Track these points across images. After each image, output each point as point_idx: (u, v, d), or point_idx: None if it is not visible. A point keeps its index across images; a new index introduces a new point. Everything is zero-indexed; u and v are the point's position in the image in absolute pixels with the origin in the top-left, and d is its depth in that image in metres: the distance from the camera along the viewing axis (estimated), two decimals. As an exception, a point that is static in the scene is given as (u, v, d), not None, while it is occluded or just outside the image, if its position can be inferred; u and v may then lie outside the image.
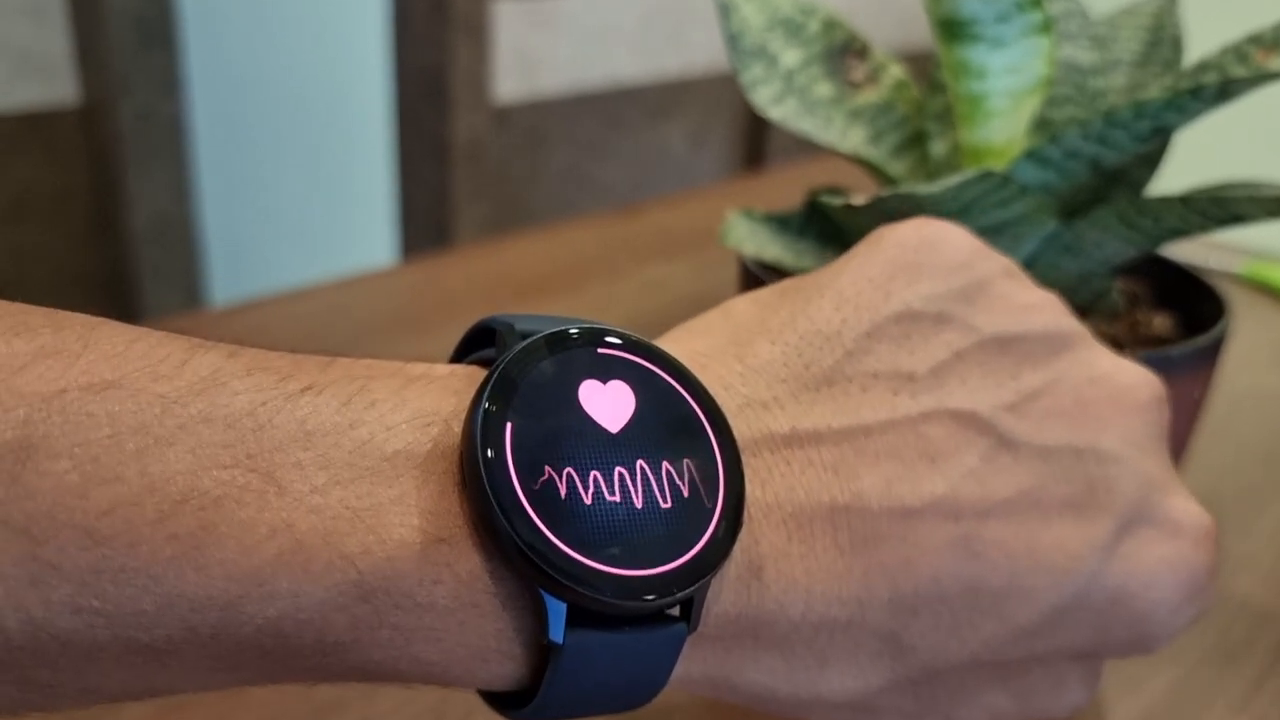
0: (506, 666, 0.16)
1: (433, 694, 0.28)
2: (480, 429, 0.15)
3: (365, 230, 1.72)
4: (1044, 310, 0.20)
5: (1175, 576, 0.20)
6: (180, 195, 1.26)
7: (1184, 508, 0.20)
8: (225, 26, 1.59)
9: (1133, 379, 0.20)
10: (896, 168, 0.30)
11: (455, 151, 1.47)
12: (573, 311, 0.53)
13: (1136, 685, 0.29)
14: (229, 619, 0.14)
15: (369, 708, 0.27)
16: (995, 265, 0.20)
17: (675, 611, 0.16)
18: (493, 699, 0.17)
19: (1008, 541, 0.18)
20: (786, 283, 0.21)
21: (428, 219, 1.54)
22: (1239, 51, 0.26)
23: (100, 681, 0.14)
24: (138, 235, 1.23)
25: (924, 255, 0.20)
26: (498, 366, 0.16)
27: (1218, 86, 0.24)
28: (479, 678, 0.16)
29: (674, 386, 0.17)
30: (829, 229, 0.31)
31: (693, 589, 0.16)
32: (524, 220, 1.60)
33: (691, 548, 0.16)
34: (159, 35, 1.19)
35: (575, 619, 0.15)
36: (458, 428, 0.16)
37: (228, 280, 1.50)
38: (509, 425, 0.15)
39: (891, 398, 0.18)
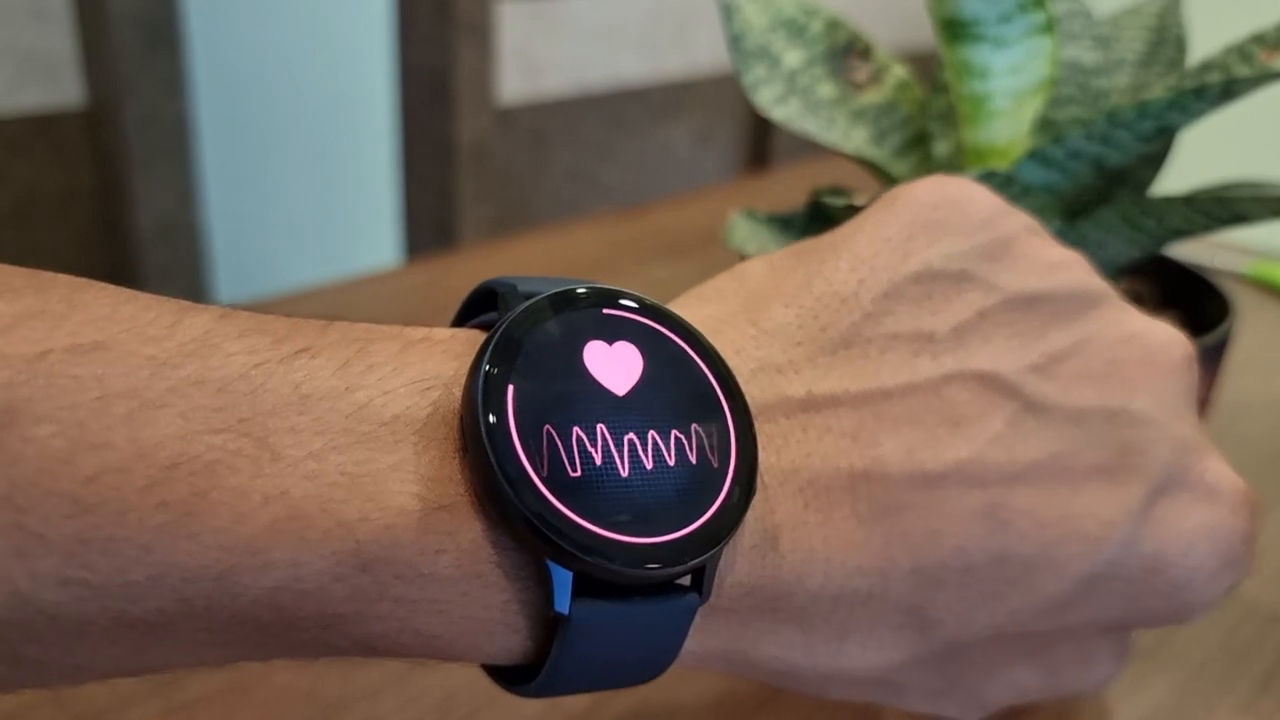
0: (512, 639, 0.15)
1: (436, 693, 0.28)
2: (482, 392, 0.14)
3: (369, 231, 1.72)
4: (1070, 268, 0.19)
5: (1212, 543, 0.19)
6: (185, 197, 1.26)
7: (1219, 471, 0.19)
8: (230, 28, 1.59)
9: (1164, 338, 0.20)
10: (900, 168, 0.30)
11: (459, 152, 1.47)
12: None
13: (1142, 686, 0.29)
14: (223, 590, 0.13)
15: (372, 708, 0.27)
16: (1018, 222, 0.19)
17: (687, 581, 0.15)
18: (498, 673, 0.17)
19: (1036, 509, 0.17)
20: (801, 244, 0.20)
21: (432, 220, 1.54)
22: (1243, 51, 0.26)
23: (92, 657, 0.14)
24: (143, 236, 1.23)
25: (944, 213, 0.19)
26: (499, 327, 0.15)
27: (1221, 86, 0.24)
28: (483, 651, 0.15)
29: (684, 349, 0.16)
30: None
31: (704, 557, 0.15)
32: (528, 221, 1.60)
33: (703, 515, 0.15)
34: (164, 37, 1.19)
35: (582, 589, 0.15)
36: (458, 392, 0.15)
37: (233, 281, 1.51)
38: (511, 388, 0.15)
39: (912, 360, 0.18)
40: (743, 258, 0.30)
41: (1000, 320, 0.18)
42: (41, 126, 1.17)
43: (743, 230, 0.30)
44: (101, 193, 1.23)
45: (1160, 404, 0.19)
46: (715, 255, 0.57)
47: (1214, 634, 0.32)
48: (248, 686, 0.27)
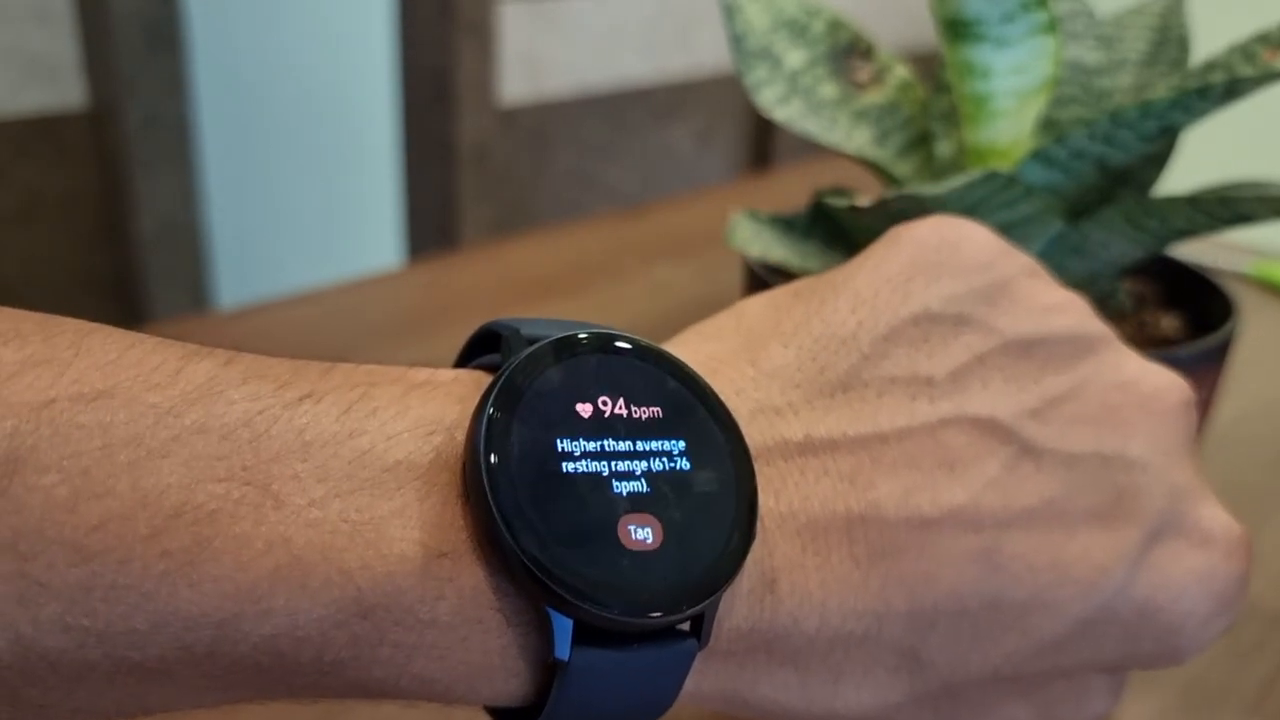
0: (511, 684, 0.15)
1: (439, 696, 0.28)
2: (484, 437, 0.15)
3: (371, 233, 1.72)
4: (1068, 311, 0.20)
5: (1205, 588, 0.19)
6: (187, 198, 1.27)
7: (1214, 516, 0.19)
8: (232, 30, 1.60)
9: (1161, 383, 0.20)
10: (902, 168, 0.30)
11: (461, 154, 1.47)
12: (578, 313, 0.53)
13: (1147, 687, 0.29)
14: (224, 637, 0.13)
15: (375, 710, 0.27)
16: (1017, 265, 0.20)
17: (685, 627, 0.16)
18: (498, 715, 0.17)
19: (1031, 553, 0.18)
20: (800, 283, 0.20)
21: (433, 221, 1.54)
22: (1246, 51, 0.26)
23: (92, 701, 0.14)
24: (145, 238, 1.23)
25: (944, 255, 0.19)
26: (503, 373, 0.15)
27: (1224, 86, 0.24)
28: (482, 695, 0.15)
29: (684, 393, 0.17)
30: (834, 230, 0.31)
31: (704, 604, 0.15)
32: (530, 222, 1.60)
33: (702, 561, 0.15)
34: (166, 39, 1.19)
35: (582, 636, 0.15)
36: (461, 436, 0.15)
37: (235, 283, 1.51)
38: (514, 433, 0.15)
39: (909, 403, 0.18)
40: (745, 258, 0.30)
41: (997, 364, 0.18)
42: (44, 128, 1.17)
43: (745, 231, 0.30)
44: (103, 194, 1.23)
45: (1156, 449, 0.19)
46: (718, 255, 0.57)
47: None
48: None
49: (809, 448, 0.17)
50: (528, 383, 0.15)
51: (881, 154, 0.30)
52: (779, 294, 0.20)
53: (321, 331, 0.48)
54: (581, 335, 0.16)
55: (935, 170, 0.30)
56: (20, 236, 1.18)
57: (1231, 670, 0.30)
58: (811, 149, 0.33)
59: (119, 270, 1.27)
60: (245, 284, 1.54)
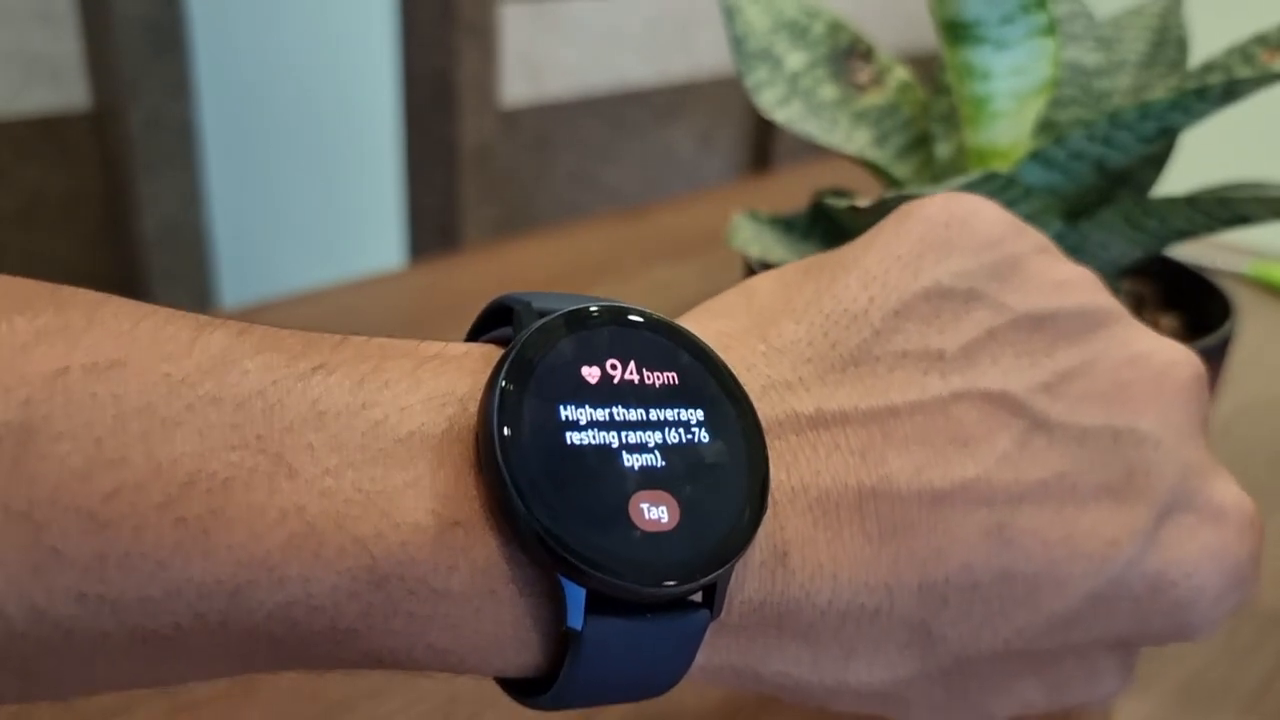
0: (524, 654, 0.15)
1: (440, 694, 0.28)
2: (497, 409, 0.15)
3: (373, 234, 1.72)
4: (1079, 287, 0.19)
5: (1217, 564, 0.19)
6: (190, 199, 1.27)
7: (1226, 492, 0.19)
8: (234, 31, 1.60)
9: (1172, 357, 0.20)
10: (901, 170, 0.31)
11: (463, 155, 1.47)
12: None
13: (1145, 686, 0.29)
14: (238, 606, 0.13)
15: (376, 708, 0.27)
16: (1028, 241, 0.20)
17: (698, 598, 0.16)
18: (510, 685, 0.17)
19: (1042, 528, 0.18)
20: (810, 260, 0.20)
21: (436, 222, 1.54)
22: (1244, 52, 0.26)
23: (106, 671, 0.14)
24: (148, 239, 1.23)
25: (954, 231, 0.19)
26: (515, 345, 0.15)
27: (1223, 87, 0.24)
28: (495, 665, 0.15)
29: (697, 366, 0.17)
30: (834, 231, 0.31)
31: (716, 574, 0.15)
32: (531, 223, 1.60)
33: (715, 532, 0.15)
34: (169, 40, 1.19)
35: (595, 605, 0.15)
36: (473, 408, 0.15)
37: (237, 283, 1.51)
38: (526, 405, 0.15)
39: (921, 378, 0.18)
40: (745, 259, 0.30)
41: (1009, 339, 0.18)
42: (46, 129, 1.17)
43: (745, 232, 0.30)
44: (106, 195, 1.23)
45: (1167, 424, 0.19)
46: (718, 257, 0.58)
47: (1216, 634, 0.32)
48: (253, 686, 0.27)
49: (820, 422, 0.17)
50: (540, 355, 0.15)
51: (881, 155, 0.30)
52: (789, 271, 0.20)
53: (324, 332, 0.48)
54: (593, 309, 0.16)
55: (935, 171, 0.30)
56: (22, 237, 1.18)
57: (1230, 669, 0.30)
58: (812, 150, 0.33)
59: (121, 271, 1.27)
60: (247, 285, 1.54)
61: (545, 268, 0.58)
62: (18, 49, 1.12)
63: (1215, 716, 0.29)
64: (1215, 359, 0.27)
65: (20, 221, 1.17)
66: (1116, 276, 0.29)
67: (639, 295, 0.55)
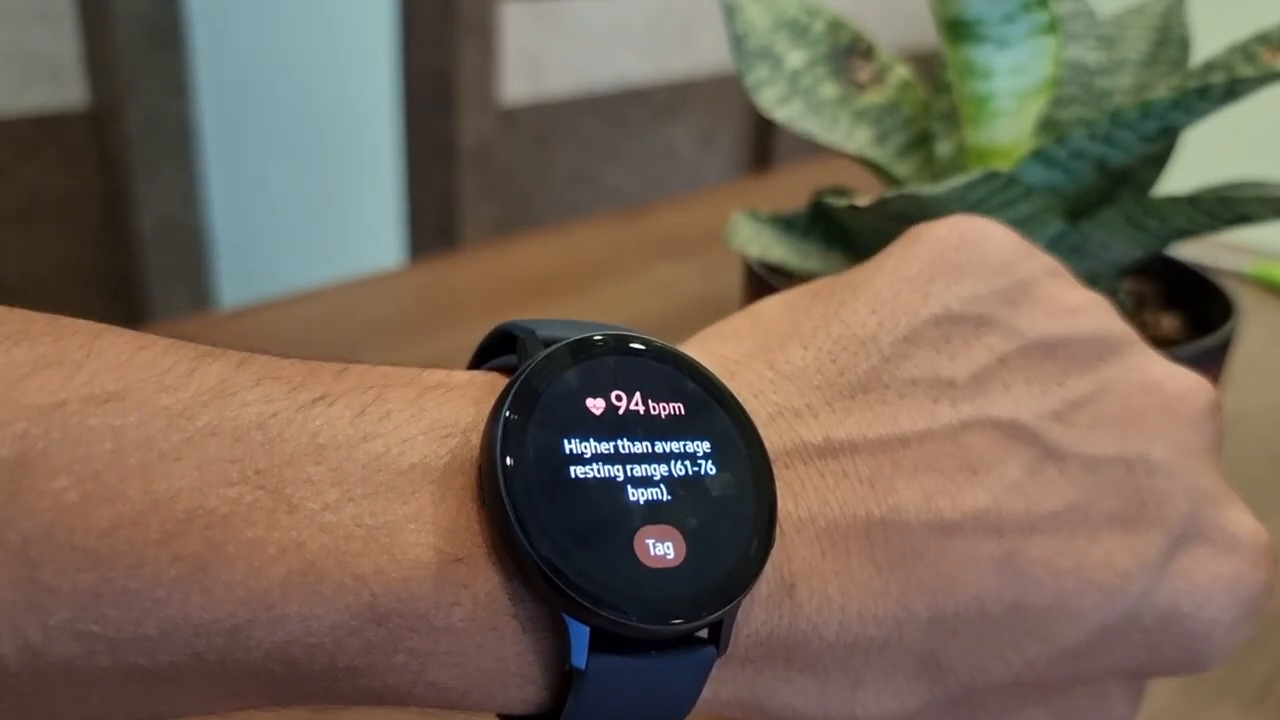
0: (526, 691, 0.15)
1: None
2: (500, 440, 0.14)
3: (373, 232, 1.72)
4: (1091, 313, 0.19)
5: (1231, 595, 0.18)
6: (189, 198, 1.27)
7: (1240, 522, 0.19)
8: (234, 30, 1.60)
9: (1185, 385, 0.19)
10: (902, 168, 0.30)
11: (462, 154, 1.47)
12: (579, 313, 0.53)
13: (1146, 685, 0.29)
14: (236, 643, 0.13)
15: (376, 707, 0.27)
16: (1039, 265, 0.19)
17: (704, 634, 0.15)
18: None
19: (1053, 558, 0.17)
20: (818, 284, 0.20)
21: (435, 221, 1.54)
22: (1246, 51, 0.26)
23: (101, 708, 0.14)
24: (146, 237, 1.23)
25: (964, 254, 0.19)
26: (520, 375, 0.15)
27: (1225, 86, 0.24)
28: (497, 702, 0.15)
29: (702, 394, 0.16)
30: (834, 230, 0.31)
31: (723, 611, 0.15)
32: (531, 222, 1.60)
33: (721, 567, 0.15)
34: (168, 39, 1.19)
35: (599, 643, 0.14)
36: (476, 440, 0.15)
37: (236, 282, 1.51)
38: (531, 436, 0.14)
39: (930, 406, 0.17)
40: (745, 258, 0.30)
41: (1019, 366, 0.18)
42: (45, 128, 1.17)
43: (745, 231, 0.30)
44: (105, 194, 1.23)
45: (1180, 452, 0.19)
46: (719, 255, 0.58)
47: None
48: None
49: (828, 450, 0.17)
50: (544, 385, 0.15)
51: (881, 154, 0.30)
52: (796, 295, 0.20)
53: (323, 331, 0.48)
54: (598, 337, 0.16)
55: (935, 170, 0.30)
56: (21, 236, 1.18)
57: (1231, 667, 0.30)
58: (812, 149, 0.33)
59: (120, 270, 1.27)
60: (246, 283, 1.54)
61: (545, 267, 0.58)
62: (17, 48, 1.12)
63: (1215, 716, 0.29)
64: (1216, 359, 0.27)
65: (19, 220, 1.17)
66: (1117, 276, 0.29)
67: (639, 295, 0.54)
